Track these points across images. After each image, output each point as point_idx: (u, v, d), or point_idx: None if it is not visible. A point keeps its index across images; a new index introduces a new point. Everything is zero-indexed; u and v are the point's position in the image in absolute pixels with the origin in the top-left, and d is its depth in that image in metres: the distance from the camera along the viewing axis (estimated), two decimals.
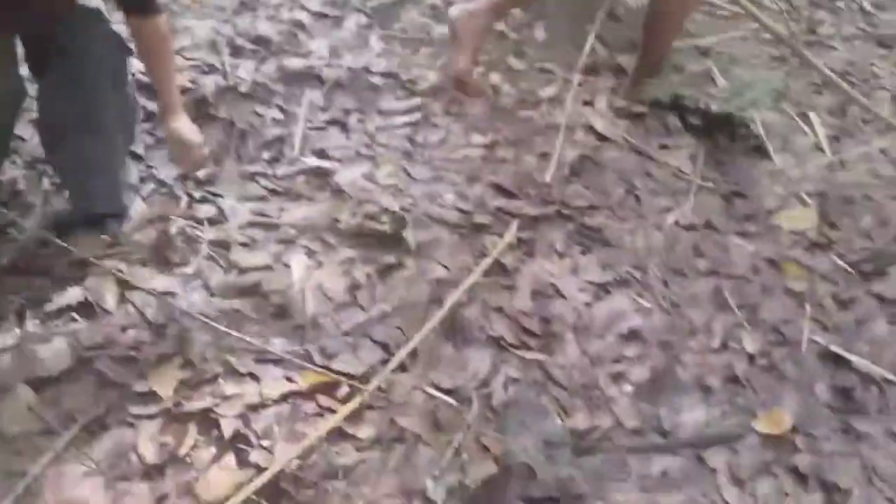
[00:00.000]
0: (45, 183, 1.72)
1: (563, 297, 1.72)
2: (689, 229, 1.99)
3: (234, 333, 1.41)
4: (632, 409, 1.49)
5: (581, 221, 1.95)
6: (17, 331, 1.37)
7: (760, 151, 2.35)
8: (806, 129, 2.53)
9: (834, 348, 1.71)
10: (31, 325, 1.39)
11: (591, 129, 2.30)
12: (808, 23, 3.41)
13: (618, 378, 1.54)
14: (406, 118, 2.19)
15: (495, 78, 2.44)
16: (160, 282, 1.55)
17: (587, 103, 2.40)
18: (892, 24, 3.59)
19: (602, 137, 2.28)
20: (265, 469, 1.19)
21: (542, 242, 1.87)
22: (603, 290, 1.76)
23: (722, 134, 2.35)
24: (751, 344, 1.67)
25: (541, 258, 1.82)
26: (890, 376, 1.68)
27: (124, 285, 1.51)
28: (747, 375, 1.60)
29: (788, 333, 1.73)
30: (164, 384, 1.32)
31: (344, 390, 1.38)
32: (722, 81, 2.60)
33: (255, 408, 1.31)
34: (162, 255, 1.60)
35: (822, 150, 2.44)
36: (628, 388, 1.53)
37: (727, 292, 1.79)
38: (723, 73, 2.65)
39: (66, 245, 1.51)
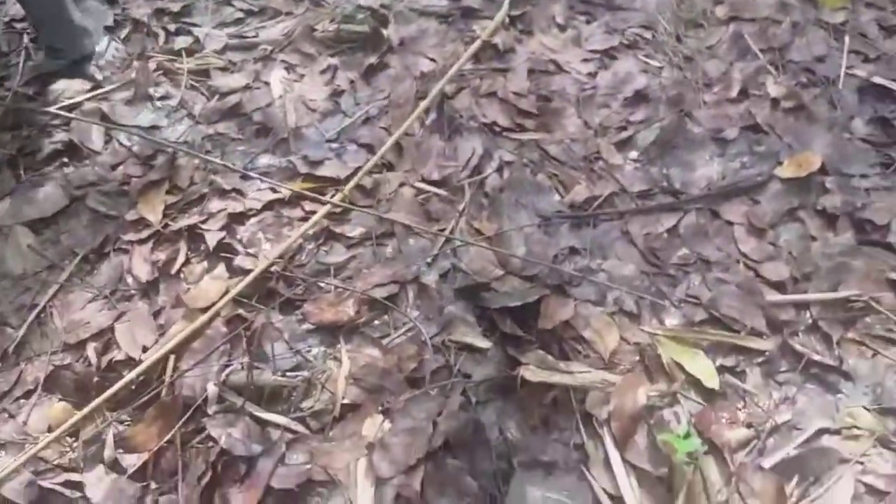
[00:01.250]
0: (25, 40, 1.70)
1: (563, 71, 1.58)
2: None
3: (218, 162, 1.39)
4: (638, 173, 1.39)
5: None
6: (12, 180, 1.40)
7: None
8: None
9: (877, 79, 1.52)
10: (25, 173, 1.42)
11: None
12: None
13: (623, 145, 1.44)
14: None
15: None
16: (145, 117, 1.54)
17: None
18: None
19: None
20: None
21: (541, 17, 1.71)
22: (608, 56, 1.60)
23: None
24: (775, 88, 1.50)
25: (539, 34, 1.67)
26: None
27: (110, 124, 1.50)
28: (770, 121, 1.45)
29: (821, 71, 1.54)
30: (154, 210, 1.34)
31: (329, 195, 1.35)
32: None
33: (239, 218, 1.31)
34: (144, 91, 1.58)
35: None
36: (634, 153, 1.42)
37: (749, 37, 1.60)
38: None
39: (48, 95, 1.52)
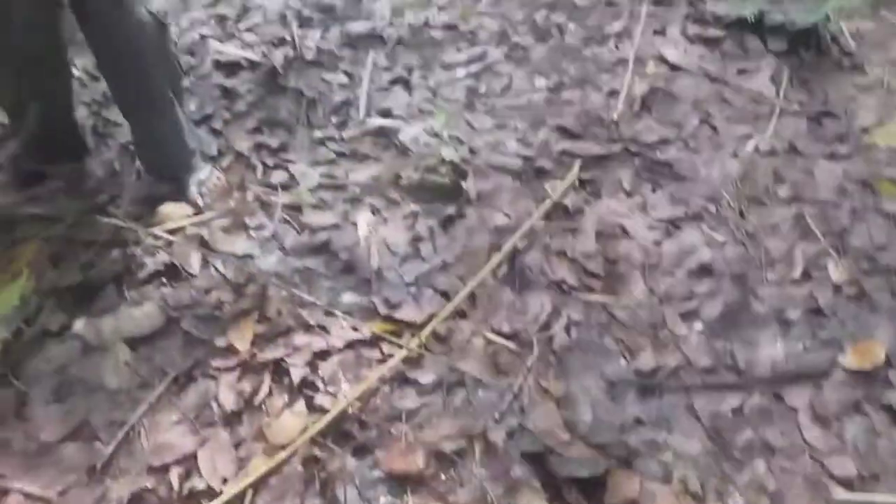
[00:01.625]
0: (137, 162, 1.87)
1: (629, 236, 1.68)
2: (769, 155, 1.87)
3: (306, 296, 1.49)
4: (702, 346, 1.45)
5: (651, 157, 1.88)
6: (117, 297, 1.52)
7: (853, 65, 2.16)
8: None
9: None
10: (128, 291, 1.53)
11: (662, 59, 2.20)
12: None
13: (688, 316, 1.50)
14: (468, 69, 2.19)
15: (559, 17, 2.37)
16: (239, 245, 1.66)
17: (658, 33, 2.30)
18: None
19: (674, 67, 2.17)
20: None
21: (609, 182, 1.83)
22: (673, 226, 1.70)
23: (807, 50, 2.17)
24: (837, 273, 1.57)
25: (607, 198, 1.78)
26: None
27: (207, 250, 1.63)
28: (832, 306, 1.51)
29: (883, 259, 1.61)
30: (242, 338, 1.43)
31: (406, 338, 1.43)
32: None
33: (322, 356, 1.39)
34: (241, 220, 1.71)
35: None
36: (699, 325, 1.49)
37: (811, 219, 1.69)
38: None
39: (154, 217, 1.66)
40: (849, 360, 1.40)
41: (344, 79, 2.15)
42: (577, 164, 1.83)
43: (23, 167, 1.76)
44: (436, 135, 1.93)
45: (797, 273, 1.57)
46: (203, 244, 1.65)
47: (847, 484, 1.22)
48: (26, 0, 1.45)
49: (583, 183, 1.82)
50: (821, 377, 1.38)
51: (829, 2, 2.11)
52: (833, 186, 1.76)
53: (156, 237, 1.64)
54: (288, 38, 2.27)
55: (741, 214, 1.71)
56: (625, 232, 1.69)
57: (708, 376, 1.39)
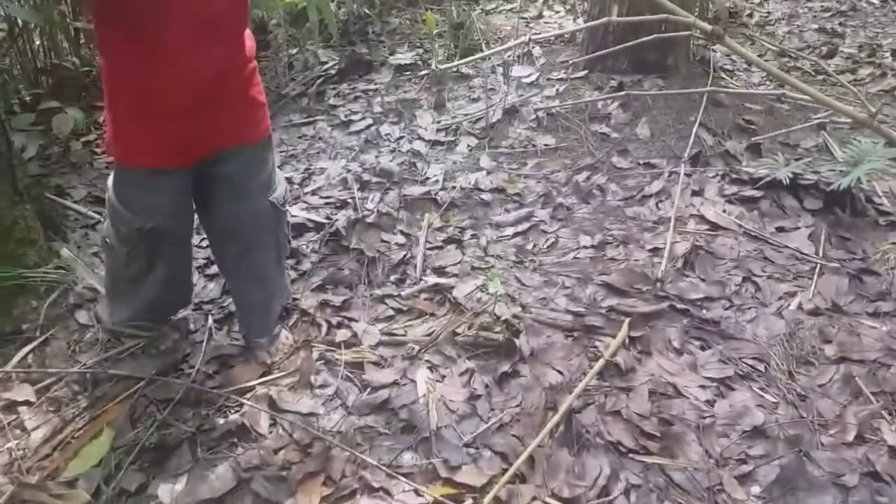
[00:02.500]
0: (210, 321, 2.01)
1: (682, 395, 1.73)
2: (814, 314, 1.93)
3: (369, 460, 1.56)
4: None
5: (697, 315, 1.96)
6: (190, 458, 1.59)
7: (889, 223, 2.25)
8: None
9: None
10: (201, 451, 1.61)
11: (702, 218, 2.33)
12: None
13: (744, 479, 1.52)
14: (516, 228, 2.34)
15: (600, 179, 2.54)
16: (305, 404, 1.74)
17: (696, 193, 2.44)
18: None
19: (714, 226, 2.30)
20: None
21: (658, 340, 1.90)
22: (724, 385, 1.74)
23: (843, 209, 2.28)
24: (892, 435, 1.58)
25: (657, 356, 1.85)
26: None
27: (275, 410, 1.72)
28: (889, 470, 1.51)
29: None
30: (310, 501, 1.48)
31: (468, 503, 1.47)
32: (839, 153, 2.54)
33: None
34: (307, 379, 1.81)
35: None
36: (756, 489, 1.50)
37: (860, 379, 1.72)
38: (840, 145, 2.59)
39: (226, 376, 1.77)
40: None
41: (401, 239, 2.31)
42: (626, 322, 1.91)
43: (106, 328, 1.90)
44: (488, 292, 2.05)
45: (851, 436, 1.58)
46: (271, 404, 1.74)
47: None
48: (169, 189, 1.66)
49: (633, 340, 1.89)
50: None
51: (860, 167, 2.23)
52: (880, 347, 1.80)
53: (228, 397, 1.74)
54: (349, 200, 2.47)
55: (790, 375, 1.75)
56: (677, 391, 1.74)
57: None
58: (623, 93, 2.73)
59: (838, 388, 1.71)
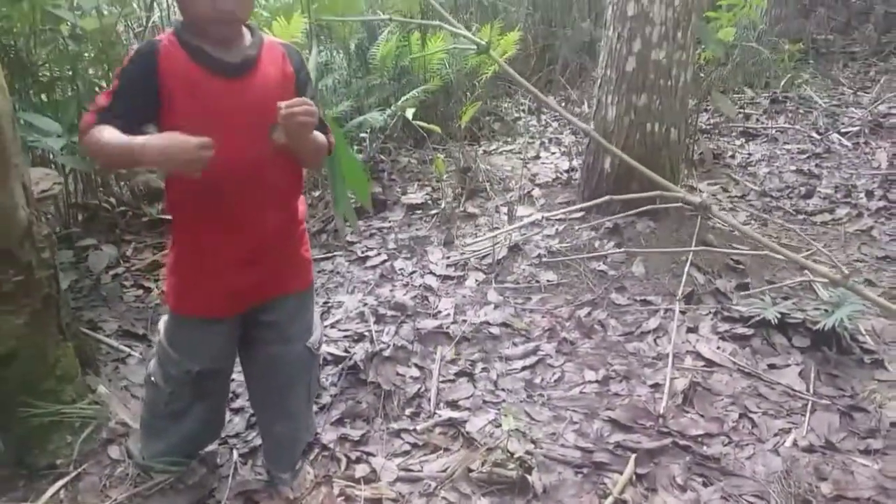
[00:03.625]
0: (235, 455, 2.10)
1: None
2: (808, 451, 2.04)
3: None
4: None
5: (698, 451, 2.06)
6: None
7: (874, 361, 2.40)
8: None
9: None
10: None
11: (698, 355, 2.48)
12: None
13: None
14: (524, 362, 2.48)
15: (601, 315, 2.71)
16: None
17: (691, 330, 2.60)
18: None
19: (710, 363, 2.44)
20: None
21: (663, 476, 1.99)
22: None
23: (830, 347, 2.44)
24: None
25: (662, 493, 1.94)
26: None
27: None
28: None
29: None
30: None
31: None
32: (824, 294, 2.73)
33: None
34: None
35: None
36: None
37: None
38: (824, 286, 2.78)
39: None
40: None
41: (416, 372, 2.44)
42: (632, 459, 2.02)
43: (137, 463, 1.99)
44: (500, 426, 2.16)
45: None
46: None
47: None
48: (220, 336, 1.81)
49: (639, 477, 1.99)
50: None
51: (842, 308, 2.42)
52: (873, 485, 1.91)
53: None
54: (366, 333, 2.61)
55: None
56: None
57: None
58: (614, 251, 2.95)
59: None
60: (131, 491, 1.93)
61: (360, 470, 2.04)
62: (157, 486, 1.94)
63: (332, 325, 2.69)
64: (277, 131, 1.59)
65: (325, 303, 2.84)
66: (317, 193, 3.57)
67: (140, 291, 2.89)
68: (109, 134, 1.49)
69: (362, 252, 3.17)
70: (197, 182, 1.48)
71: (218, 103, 1.56)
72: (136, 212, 3.35)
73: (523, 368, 2.47)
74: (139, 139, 1.46)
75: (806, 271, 2.75)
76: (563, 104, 5.25)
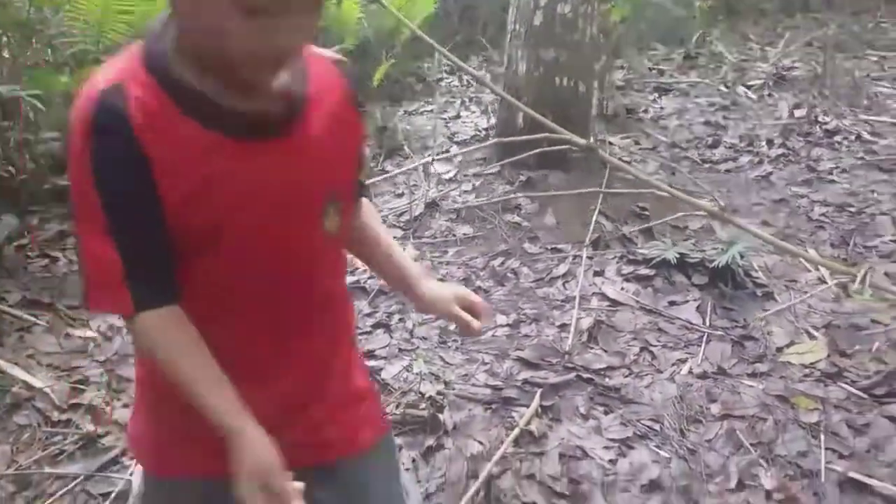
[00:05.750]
0: None
1: (588, 456, 1.92)
2: (701, 377, 2.18)
3: None
4: None
5: (601, 383, 2.18)
6: None
7: (765, 294, 2.56)
8: (809, 265, 2.74)
9: (853, 474, 1.82)
10: None
11: (603, 296, 2.60)
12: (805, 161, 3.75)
13: None
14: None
15: (514, 263, 2.80)
16: None
17: (598, 273, 2.72)
18: (891, 149, 3.86)
19: (614, 302, 2.56)
20: None
21: (567, 407, 2.10)
22: (625, 445, 1.95)
23: (726, 283, 2.59)
24: (768, 480, 1.81)
25: (566, 422, 2.04)
26: None
27: None
28: None
29: (805, 465, 1.86)
30: None
31: None
32: (721, 233, 2.89)
33: None
34: None
35: (825, 282, 2.64)
36: None
37: (741, 433, 1.95)
38: (724, 227, 2.93)
39: None
40: None
41: None
42: (538, 393, 2.11)
43: None
44: (415, 373, 2.22)
45: (733, 483, 1.80)
46: None
47: None
48: None
49: (545, 409, 2.08)
50: None
51: (735, 245, 2.57)
52: (757, 403, 2.06)
53: None
54: None
55: (681, 433, 1.97)
56: (584, 453, 1.93)
57: None
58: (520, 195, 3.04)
59: (723, 441, 1.94)
60: (39, 455, 1.91)
61: None
62: (66, 451, 1.93)
63: None
64: (332, 212, 0.97)
65: None
66: None
67: (46, 261, 2.81)
68: (193, 353, 0.91)
69: None
70: (209, 306, 0.93)
71: (238, 185, 0.89)
72: (42, 181, 3.23)
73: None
74: (238, 421, 0.90)
75: (706, 215, 2.89)
76: (485, 64, 5.28)
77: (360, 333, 2.43)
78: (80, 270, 0.90)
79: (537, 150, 2.67)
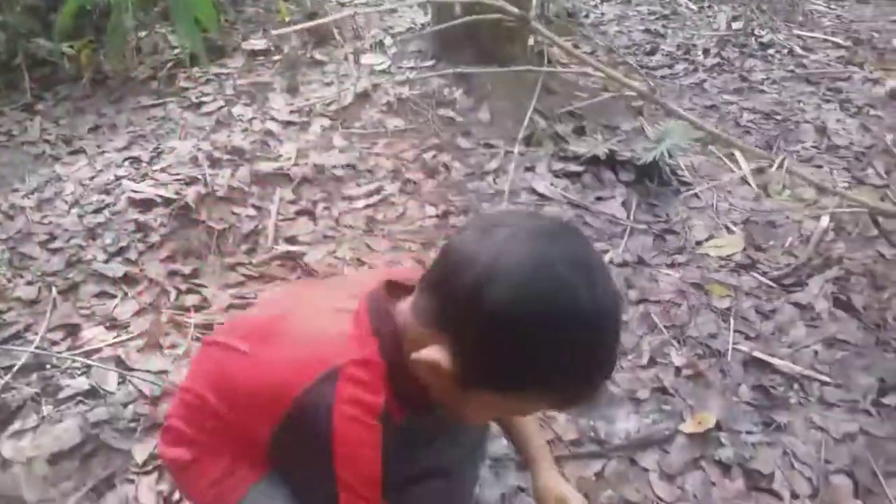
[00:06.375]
0: (54, 292, 2.00)
1: None
2: (622, 266, 2.22)
3: None
4: (570, 425, 1.68)
5: None
6: (35, 415, 1.61)
7: (689, 191, 2.60)
8: (732, 166, 2.80)
9: (757, 354, 1.91)
10: (47, 410, 1.63)
11: (533, 191, 2.59)
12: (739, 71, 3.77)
13: None
14: (366, 201, 2.48)
15: (445, 157, 2.75)
16: (155, 363, 1.80)
17: (529, 169, 2.70)
18: (819, 63, 3.93)
19: (543, 197, 2.55)
20: None
21: None
22: None
23: (651, 180, 2.61)
24: (678, 358, 1.87)
25: None
26: (808, 372, 1.86)
27: (124, 369, 1.76)
28: (674, 385, 1.80)
29: (714, 346, 1.93)
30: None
31: None
32: (651, 132, 2.90)
33: None
34: (155, 340, 1.86)
35: (747, 183, 2.70)
36: None
37: (656, 316, 2.01)
38: (654, 126, 2.94)
39: (74, 341, 1.78)
40: (688, 427, 1.67)
41: (252, 212, 2.39)
42: None
43: None
44: (339, 257, 2.18)
45: (645, 360, 1.86)
46: (120, 364, 1.78)
47: None
48: None
49: None
50: (666, 442, 1.64)
51: (663, 143, 2.58)
52: (673, 290, 2.11)
53: (74, 360, 1.76)
54: (200, 176, 2.51)
55: None
56: None
57: (574, 447, 1.62)
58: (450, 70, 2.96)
59: (637, 323, 2.00)
60: None
61: (191, 300, 2.01)
62: None
63: (163, 170, 2.55)
64: None
65: (156, 148, 2.69)
66: (143, 34, 3.29)
67: None
68: None
69: (197, 98, 2.99)
70: None
71: None
72: None
73: (366, 206, 2.48)
74: None
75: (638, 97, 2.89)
76: None
77: (283, 220, 2.37)
78: None
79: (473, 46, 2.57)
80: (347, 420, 0.89)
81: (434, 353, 0.84)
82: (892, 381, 1.85)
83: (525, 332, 0.79)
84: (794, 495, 1.57)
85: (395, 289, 0.97)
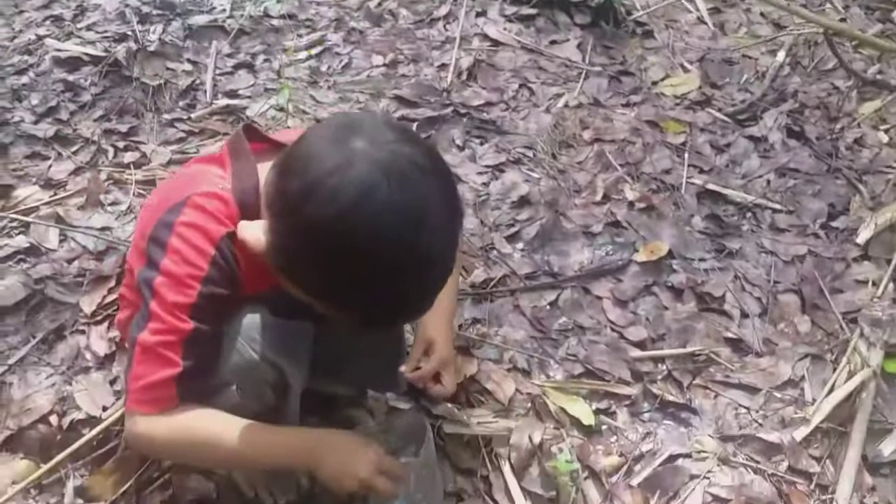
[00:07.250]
0: None
1: (462, 181, 1.91)
2: (577, 108, 2.17)
3: None
4: (525, 259, 1.69)
5: (478, 117, 2.13)
6: None
7: (644, 32, 2.52)
8: (688, 5, 2.70)
9: (710, 186, 1.92)
10: None
11: (485, 36, 2.48)
12: None
13: (511, 238, 1.75)
14: (309, 52, 2.35)
15: (392, 4, 2.59)
16: (97, 220, 1.73)
17: (480, 14, 2.57)
18: None
19: (496, 42, 2.45)
20: None
21: (443, 139, 2.05)
22: (498, 170, 1.95)
23: (607, 22, 2.52)
24: (631, 193, 1.87)
25: (442, 153, 1.98)
26: (760, 201, 1.89)
27: (65, 226, 1.69)
28: (627, 219, 1.80)
29: (668, 180, 1.93)
30: (109, 296, 1.51)
31: None
32: None
33: None
34: (96, 198, 1.78)
35: (704, 22, 2.63)
36: (520, 244, 1.73)
37: (610, 154, 1.99)
38: None
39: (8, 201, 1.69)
40: (641, 256, 1.70)
41: (188, 66, 2.25)
42: (413, 126, 2.04)
43: None
44: (282, 109, 2.08)
45: (599, 196, 1.86)
46: (60, 221, 1.70)
47: (641, 345, 1.50)
48: None
49: None
50: (619, 271, 1.66)
51: None
52: (628, 128, 2.08)
53: (11, 219, 1.68)
54: (129, 33, 2.33)
55: (553, 156, 1.99)
56: (459, 179, 1.91)
57: (529, 280, 1.63)
58: None
59: (592, 163, 1.98)
60: None
61: (130, 157, 1.92)
62: None
63: (88, 28, 2.36)
64: None
65: (79, 6, 2.47)
66: None
67: None
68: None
69: None
70: None
71: None
72: None
73: (308, 58, 2.35)
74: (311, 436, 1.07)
75: None
76: None
77: (220, 74, 2.23)
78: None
79: None
80: (183, 230, 0.94)
81: (254, 231, 0.88)
82: (841, 206, 1.89)
83: (333, 255, 0.81)
84: (744, 314, 1.63)
85: (252, 133, 1.05)
